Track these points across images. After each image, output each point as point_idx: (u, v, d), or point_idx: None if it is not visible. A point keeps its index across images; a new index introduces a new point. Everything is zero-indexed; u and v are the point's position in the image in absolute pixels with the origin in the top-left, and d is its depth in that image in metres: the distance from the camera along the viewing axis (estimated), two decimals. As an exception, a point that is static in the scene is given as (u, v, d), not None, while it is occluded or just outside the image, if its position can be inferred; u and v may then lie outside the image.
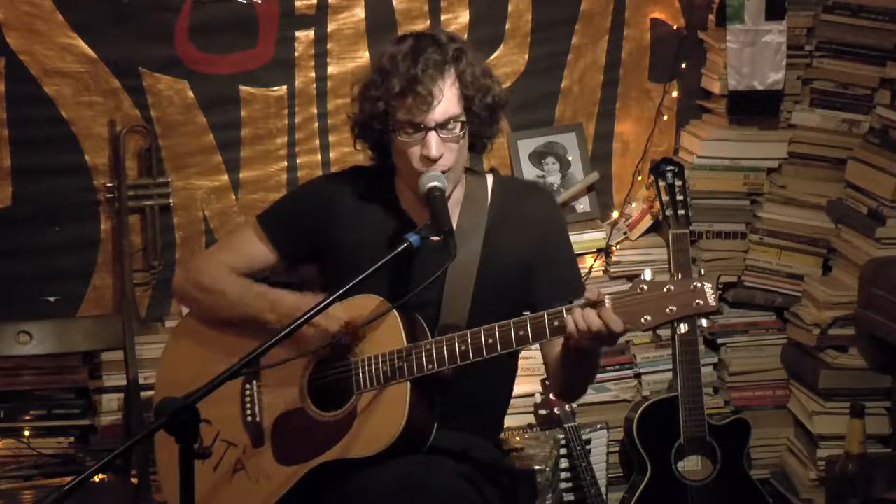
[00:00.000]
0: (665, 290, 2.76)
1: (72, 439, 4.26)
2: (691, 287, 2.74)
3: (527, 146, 4.57)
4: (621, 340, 4.51)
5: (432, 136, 2.99)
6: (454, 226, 3.11)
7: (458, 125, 3.02)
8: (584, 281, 3.30)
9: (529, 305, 3.07)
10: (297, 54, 4.35)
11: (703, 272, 2.77)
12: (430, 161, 3.00)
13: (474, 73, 3.04)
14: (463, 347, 2.93)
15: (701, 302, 2.74)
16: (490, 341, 2.91)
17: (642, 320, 2.78)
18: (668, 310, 2.76)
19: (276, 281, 4.05)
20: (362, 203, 3.20)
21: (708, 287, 2.73)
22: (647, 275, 2.80)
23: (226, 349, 3.18)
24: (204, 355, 3.23)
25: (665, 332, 2.85)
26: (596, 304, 2.79)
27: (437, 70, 2.98)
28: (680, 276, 2.79)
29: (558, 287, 3.06)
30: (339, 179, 3.30)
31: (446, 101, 2.99)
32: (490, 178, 3.25)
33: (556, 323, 2.85)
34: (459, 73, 3.02)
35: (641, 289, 2.78)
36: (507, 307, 3.02)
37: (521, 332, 2.89)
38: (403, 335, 3.00)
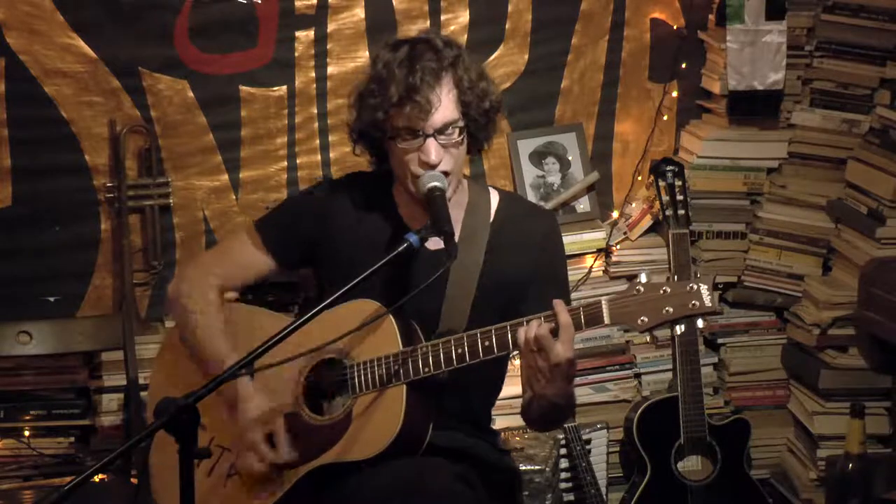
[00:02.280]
0: (662, 291, 2.78)
1: (72, 439, 4.26)
2: (688, 288, 2.77)
3: (527, 146, 4.56)
4: (622, 340, 4.53)
5: (431, 143, 3.00)
6: (458, 230, 3.12)
7: (457, 130, 3.03)
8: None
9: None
10: (297, 54, 4.35)
11: (698, 274, 2.79)
12: (430, 166, 3.01)
13: (471, 77, 3.04)
14: (459, 350, 2.94)
15: (697, 303, 2.76)
16: (486, 344, 2.92)
17: (639, 321, 2.80)
18: (664, 311, 2.78)
19: (277, 281, 4.09)
20: (359, 210, 3.20)
21: (704, 288, 2.75)
22: (643, 277, 2.82)
23: None
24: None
25: (663, 333, 2.87)
26: (557, 331, 2.81)
27: (434, 77, 2.98)
28: (676, 278, 2.80)
29: (545, 308, 3.06)
30: (336, 186, 3.30)
31: (444, 107, 2.99)
32: (496, 193, 3.26)
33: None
34: (457, 80, 3.02)
35: (638, 290, 2.80)
36: (505, 320, 3.02)
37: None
38: (399, 339, 3.00)
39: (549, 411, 3.05)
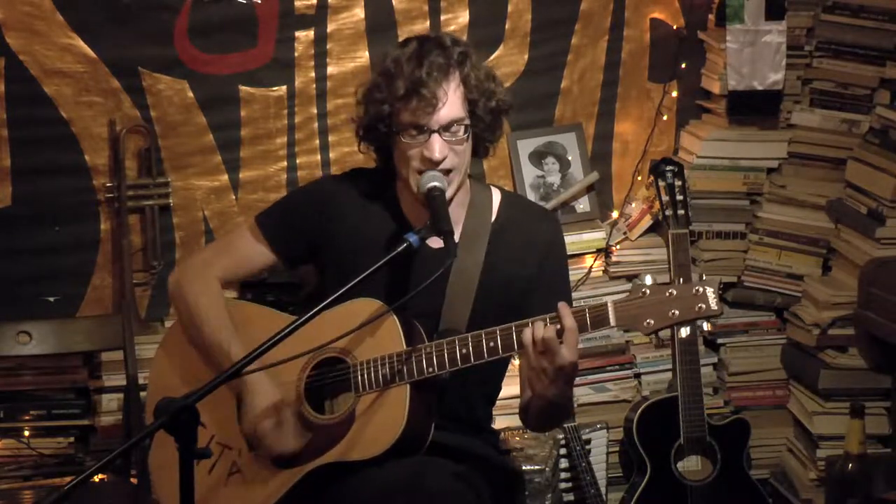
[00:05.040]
0: (667, 293, 2.79)
1: (72, 439, 4.26)
2: (693, 291, 2.77)
3: (527, 146, 4.56)
4: (621, 340, 4.53)
5: (436, 139, 3.00)
6: (459, 231, 3.12)
7: (462, 128, 3.03)
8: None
9: None
10: (296, 54, 4.35)
11: (704, 276, 2.79)
12: (433, 163, 3.01)
13: (478, 76, 3.05)
14: (464, 350, 2.94)
15: (703, 306, 2.77)
16: (491, 344, 2.92)
17: (645, 323, 2.80)
18: (670, 313, 2.79)
19: (276, 282, 4.09)
20: (362, 205, 3.20)
21: (710, 291, 2.76)
22: (648, 279, 2.83)
23: None
24: (196, 360, 3.22)
25: (664, 334, 2.87)
26: (561, 333, 2.81)
27: (441, 73, 2.99)
28: (682, 281, 2.81)
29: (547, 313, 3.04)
30: (338, 181, 3.30)
31: (450, 103, 2.99)
32: (498, 192, 3.25)
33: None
34: (464, 77, 3.02)
35: (644, 292, 2.80)
36: (506, 320, 3.02)
37: None
38: (403, 338, 3.00)
39: (547, 411, 3.06)
